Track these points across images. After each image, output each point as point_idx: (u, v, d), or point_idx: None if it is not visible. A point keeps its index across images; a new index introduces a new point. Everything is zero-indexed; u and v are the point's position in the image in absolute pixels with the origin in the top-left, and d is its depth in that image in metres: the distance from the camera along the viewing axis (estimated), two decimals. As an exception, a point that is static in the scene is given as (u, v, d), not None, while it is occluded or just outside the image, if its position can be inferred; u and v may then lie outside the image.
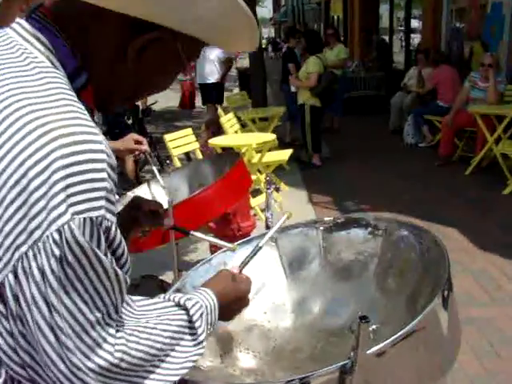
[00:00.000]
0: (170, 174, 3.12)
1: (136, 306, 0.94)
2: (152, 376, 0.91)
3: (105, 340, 0.84)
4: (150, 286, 3.43)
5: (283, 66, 9.27)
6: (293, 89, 8.00)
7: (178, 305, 0.99)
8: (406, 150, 8.49)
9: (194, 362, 0.97)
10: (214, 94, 9.24)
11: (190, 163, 3.54)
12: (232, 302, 1.17)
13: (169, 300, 1.00)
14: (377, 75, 12.06)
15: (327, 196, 6.25)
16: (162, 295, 1.02)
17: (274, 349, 1.55)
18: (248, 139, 6.06)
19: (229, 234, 3.65)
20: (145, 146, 2.59)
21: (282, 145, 7.56)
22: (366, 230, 1.68)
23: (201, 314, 1.00)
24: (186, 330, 0.97)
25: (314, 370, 1.07)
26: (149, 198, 2.86)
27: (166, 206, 2.41)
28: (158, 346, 0.91)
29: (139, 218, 1.48)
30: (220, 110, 7.67)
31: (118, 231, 0.87)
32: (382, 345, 1.04)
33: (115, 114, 6.19)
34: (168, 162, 3.35)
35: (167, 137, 5.61)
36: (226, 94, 10.09)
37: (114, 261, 0.86)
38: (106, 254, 0.84)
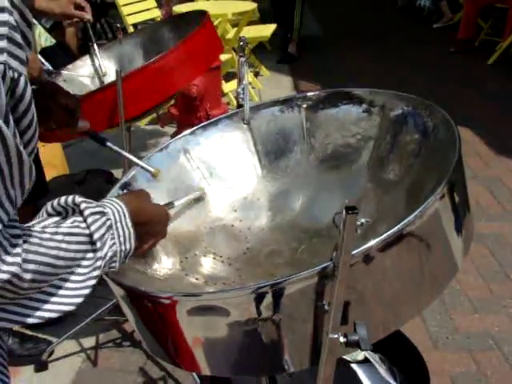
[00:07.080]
0: (122, 41, 2.99)
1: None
2: (58, 292, 0.90)
3: (6, 250, 0.78)
4: (97, 181, 3.42)
5: None
6: None
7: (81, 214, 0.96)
8: (417, 31, 8.34)
9: (95, 277, 0.95)
10: None
11: (146, 28, 3.44)
12: (148, 221, 1.13)
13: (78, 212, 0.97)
14: None
15: (316, 83, 6.16)
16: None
17: (246, 253, 1.54)
18: (222, 8, 5.85)
19: (195, 122, 3.58)
20: (88, 15, 2.43)
21: (265, 17, 7.35)
22: (359, 106, 1.61)
23: (102, 224, 0.96)
24: (87, 240, 0.93)
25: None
26: (89, 73, 2.79)
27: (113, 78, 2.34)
28: (66, 255, 0.89)
29: (51, 111, 1.42)
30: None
31: (29, 90, 0.77)
32: (369, 244, 0.99)
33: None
34: (120, 29, 3.22)
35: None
36: None
37: (17, 134, 0.76)
38: (7, 122, 0.73)
